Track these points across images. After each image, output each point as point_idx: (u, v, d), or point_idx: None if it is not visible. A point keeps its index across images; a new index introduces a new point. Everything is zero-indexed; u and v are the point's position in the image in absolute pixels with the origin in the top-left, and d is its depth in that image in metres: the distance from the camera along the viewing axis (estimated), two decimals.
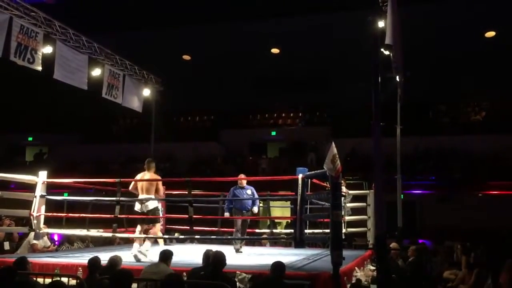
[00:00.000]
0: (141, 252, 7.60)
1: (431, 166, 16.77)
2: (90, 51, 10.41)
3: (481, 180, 15.62)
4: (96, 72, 10.78)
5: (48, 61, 9.25)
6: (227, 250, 6.78)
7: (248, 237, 9.28)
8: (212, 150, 20.15)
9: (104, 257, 6.28)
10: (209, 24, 17.92)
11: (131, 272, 4.55)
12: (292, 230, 7.90)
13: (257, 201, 9.36)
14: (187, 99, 20.33)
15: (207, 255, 5.95)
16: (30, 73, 8.99)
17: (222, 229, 10.14)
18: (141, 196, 7.94)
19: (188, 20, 17.79)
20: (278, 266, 5.29)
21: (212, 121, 23.10)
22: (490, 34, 17.40)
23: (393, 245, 9.12)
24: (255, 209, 9.18)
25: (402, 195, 11.72)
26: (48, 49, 9.25)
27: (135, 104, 12.59)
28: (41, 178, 8.76)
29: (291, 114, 22.17)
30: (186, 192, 8.05)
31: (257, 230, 11.20)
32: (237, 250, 8.93)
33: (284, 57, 19.66)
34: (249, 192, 9.08)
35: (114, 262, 5.84)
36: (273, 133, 21.03)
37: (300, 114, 22.03)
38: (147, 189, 7.95)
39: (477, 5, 15.97)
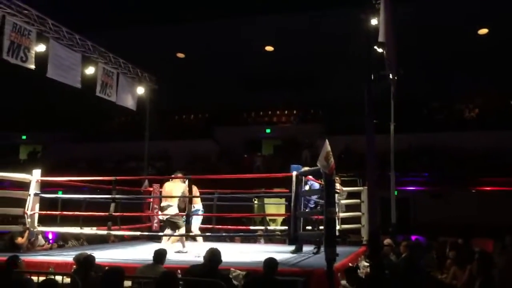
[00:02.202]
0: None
1: (424, 163, 16.86)
2: (84, 49, 10.40)
3: (474, 177, 15.72)
4: (90, 70, 10.78)
5: (41, 60, 9.24)
6: (223, 248, 6.80)
7: (242, 233, 9.28)
8: (207, 148, 20.14)
9: (98, 255, 6.29)
10: (203, 21, 17.89)
11: (123, 269, 4.57)
12: (287, 227, 7.91)
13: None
14: (182, 97, 20.30)
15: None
16: (23, 71, 8.97)
17: (217, 227, 10.16)
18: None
19: (182, 17, 17.75)
20: (269, 263, 5.29)
21: (207, 118, 23.07)
22: (483, 31, 17.47)
23: (387, 241, 9.17)
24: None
25: (396, 192, 11.78)
26: (41, 48, 9.24)
27: (129, 102, 12.58)
28: (35, 176, 8.75)
29: (286, 112, 22.19)
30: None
31: (251, 227, 11.22)
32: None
33: (278, 55, 19.66)
34: (306, 187, 8.43)
35: (88, 260, 5.75)
36: (268, 131, 21.05)
37: (294, 112, 22.06)
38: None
39: (470, 3, 16.04)
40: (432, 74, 18.08)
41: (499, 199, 14.91)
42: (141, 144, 14.01)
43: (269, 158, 19.64)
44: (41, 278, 5.49)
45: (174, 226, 8.23)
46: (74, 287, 4.67)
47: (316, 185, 8.36)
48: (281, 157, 18.74)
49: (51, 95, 17.15)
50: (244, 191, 10.36)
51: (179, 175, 8.49)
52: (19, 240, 8.46)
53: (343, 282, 6.39)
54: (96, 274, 5.07)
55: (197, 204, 8.53)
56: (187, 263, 6.12)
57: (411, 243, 8.54)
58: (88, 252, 6.22)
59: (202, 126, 22.40)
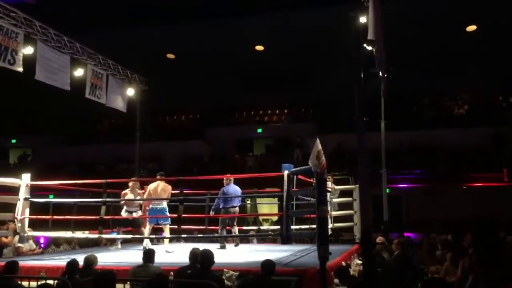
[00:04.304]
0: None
1: (415, 160, 16.93)
2: (72, 51, 10.31)
3: (464, 173, 15.82)
4: (79, 72, 10.69)
5: (29, 62, 9.15)
6: (214, 249, 6.79)
7: (235, 234, 9.26)
8: (198, 148, 20.10)
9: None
10: (192, 22, 17.84)
11: (114, 272, 4.53)
12: (279, 227, 7.91)
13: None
14: (172, 98, 20.25)
15: (194, 254, 5.93)
16: (11, 74, 8.88)
17: (210, 227, 10.14)
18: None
19: (171, 18, 17.69)
20: (268, 265, 5.28)
21: (198, 119, 23.03)
22: (471, 28, 17.59)
23: (379, 238, 9.16)
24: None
25: (387, 189, 11.81)
26: (29, 50, 9.15)
27: (119, 104, 12.51)
28: (25, 180, 8.65)
29: (277, 111, 22.20)
30: (177, 192, 8.12)
31: (244, 227, 11.20)
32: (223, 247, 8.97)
33: (268, 54, 19.67)
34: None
35: (90, 261, 5.81)
36: (259, 130, 21.03)
37: (285, 111, 22.07)
38: None
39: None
40: (421, 71, 18.17)
41: (489, 194, 15.01)
42: (132, 146, 13.96)
43: (261, 158, 19.64)
44: (32, 283, 5.45)
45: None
46: None
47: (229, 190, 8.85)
48: (273, 156, 18.74)
49: (41, 98, 17.01)
50: None
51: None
52: (3, 239, 8.42)
53: (336, 280, 6.39)
54: (86, 278, 5.03)
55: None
56: (177, 265, 6.10)
57: (403, 241, 8.56)
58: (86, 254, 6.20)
59: (194, 127, 22.34)
